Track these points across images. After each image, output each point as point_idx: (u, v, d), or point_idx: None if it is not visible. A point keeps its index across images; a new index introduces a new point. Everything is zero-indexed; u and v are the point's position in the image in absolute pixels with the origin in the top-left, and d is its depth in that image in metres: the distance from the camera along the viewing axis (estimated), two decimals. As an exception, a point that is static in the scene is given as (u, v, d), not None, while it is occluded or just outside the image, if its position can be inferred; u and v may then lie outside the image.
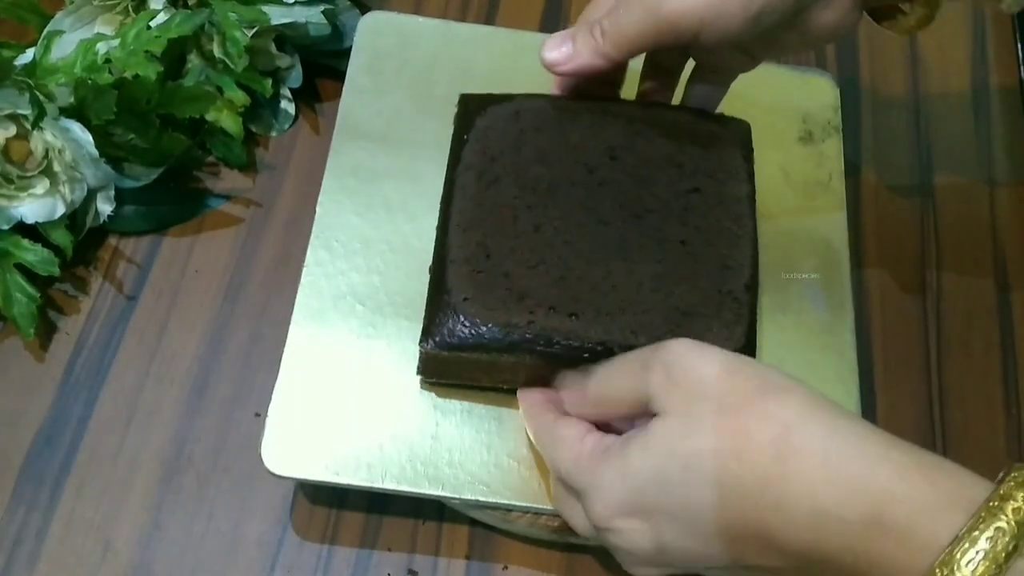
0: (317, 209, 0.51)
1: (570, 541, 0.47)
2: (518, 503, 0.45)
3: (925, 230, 0.58)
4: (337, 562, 0.48)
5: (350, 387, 0.46)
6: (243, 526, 0.48)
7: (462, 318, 0.43)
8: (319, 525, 0.48)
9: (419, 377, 0.46)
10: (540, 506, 0.45)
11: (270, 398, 0.45)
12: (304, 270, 0.49)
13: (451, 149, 0.48)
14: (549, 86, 0.49)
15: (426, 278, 0.46)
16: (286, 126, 0.59)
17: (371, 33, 0.56)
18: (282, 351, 0.46)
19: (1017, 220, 0.59)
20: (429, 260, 0.47)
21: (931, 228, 0.58)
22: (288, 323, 0.47)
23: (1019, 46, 0.65)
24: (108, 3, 0.56)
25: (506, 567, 0.48)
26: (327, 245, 0.50)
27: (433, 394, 0.46)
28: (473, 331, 0.43)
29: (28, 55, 0.54)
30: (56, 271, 0.51)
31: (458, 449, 0.45)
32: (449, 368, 0.45)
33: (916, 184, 0.60)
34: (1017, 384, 0.54)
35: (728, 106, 0.50)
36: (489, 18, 0.64)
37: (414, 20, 0.57)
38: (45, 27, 0.55)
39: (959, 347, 0.55)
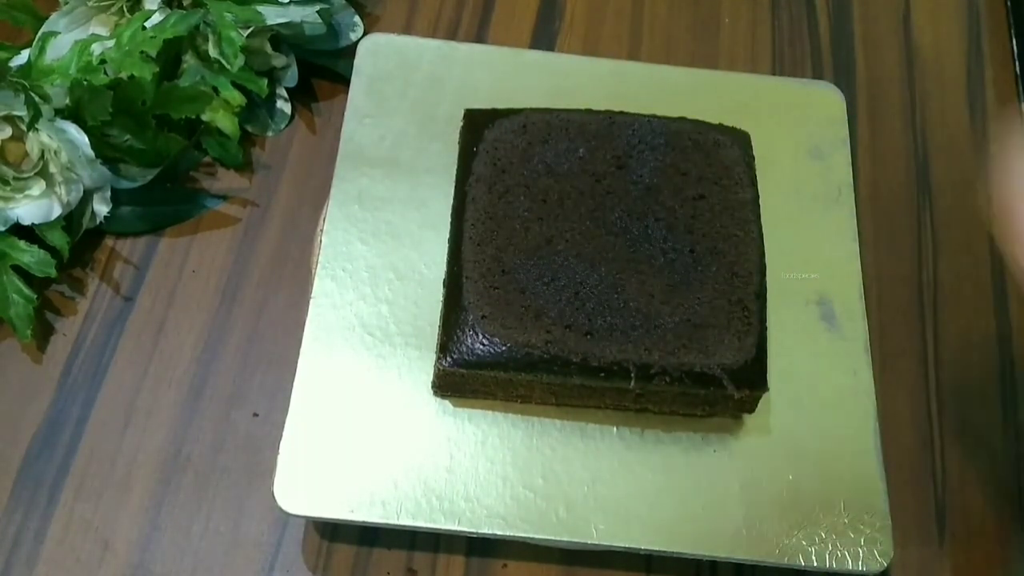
0: (323, 238, 0.50)
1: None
2: (537, 536, 0.44)
3: (922, 225, 0.58)
4: (336, 561, 0.48)
5: (362, 421, 0.45)
6: (242, 526, 0.48)
7: (480, 336, 0.43)
8: (317, 524, 0.48)
9: (431, 408, 0.46)
10: (559, 538, 0.44)
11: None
12: (311, 301, 0.48)
13: (459, 163, 0.48)
14: (550, 104, 0.50)
15: (434, 306, 0.47)
16: (282, 126, 0.59)
17: (371, 56, 0.55)
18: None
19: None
20: (437, 287, 0.47)
21: (927, 223, 0.58)
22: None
23: (1014, 41, 0.65)
24: (103, 4, 0.56)
25: (505, 565, 0.48)
26: (333, 275, 0.49)
27: (446, 426, 0.46)
28: (491, 349, 0.43)
29: (23, 56, 0.54)
30: (53, 272, 0.51)
31: (473, 482, 0.44)
32: (465, 384, 0.45)
33: (912, 179, 0.60)
34: (1015, 381, 0.54)
35: (734, 120, 0.50)
36: (481, 31, 0.63)
37: (414, 41, 0.56)
38: (40, 28, 0.55)
39: (957, 343, 0.55)
